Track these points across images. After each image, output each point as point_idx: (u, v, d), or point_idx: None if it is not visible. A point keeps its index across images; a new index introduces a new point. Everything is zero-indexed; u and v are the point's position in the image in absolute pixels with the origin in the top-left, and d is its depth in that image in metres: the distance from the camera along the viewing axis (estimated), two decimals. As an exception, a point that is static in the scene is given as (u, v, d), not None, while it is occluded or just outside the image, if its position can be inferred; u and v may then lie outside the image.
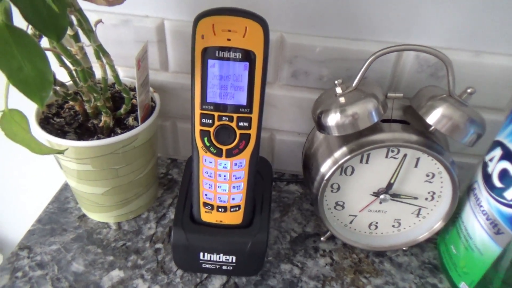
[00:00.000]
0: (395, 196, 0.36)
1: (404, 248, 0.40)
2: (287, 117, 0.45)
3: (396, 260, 0.40)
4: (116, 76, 0.35)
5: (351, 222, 0.39)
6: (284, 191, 0.48)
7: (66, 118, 0.39)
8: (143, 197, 0.42)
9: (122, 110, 0.38)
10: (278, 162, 0.50)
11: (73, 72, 0.34)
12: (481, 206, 0.32)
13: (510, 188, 0.29)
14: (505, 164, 0.30)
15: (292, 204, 0.46)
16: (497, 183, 0.30)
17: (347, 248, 0.41)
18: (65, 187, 0.46)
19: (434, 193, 0.36)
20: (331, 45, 0.39)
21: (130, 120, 0.38)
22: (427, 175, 0.35)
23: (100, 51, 0.33)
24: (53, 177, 0.49)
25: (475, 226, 0.33)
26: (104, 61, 0.34)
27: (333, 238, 0.41)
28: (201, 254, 0.36)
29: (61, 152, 0.29)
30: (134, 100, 0.38)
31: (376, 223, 0.39)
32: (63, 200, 0.45)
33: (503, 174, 0.30)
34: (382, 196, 0.36)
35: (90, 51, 0.34)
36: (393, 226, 0.39)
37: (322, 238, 0.41)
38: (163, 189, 0.47)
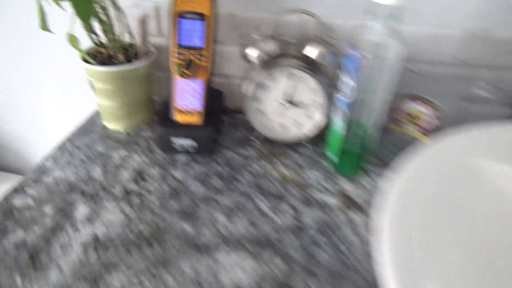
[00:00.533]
0: (293, 104, 0.58)
1: (308, 146, 0.62)
2: (238, 66, 0.68)
3: (301, 151, 0.61)
4: (126, 25, 0.60)
5: (269, 124, 0.61)
6: (238, 119, 0.70)
7: (98, 60, 0.63)
8: (142, 115, 0.66)
9: (129, 53, 0.62)
10: (233, 100, 0.72)
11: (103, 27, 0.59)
12: (336, 103, 0.54)
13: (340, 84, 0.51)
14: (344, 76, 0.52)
15: (240, 124, 0.68)
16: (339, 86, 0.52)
17: (270, 144, 0.63)
18: (95, 113, 0.70)
19: (316, 101, 0.58)
20: (262, 16, 0.62)
21: (136, 62, 0.62)
22: (311, 89, 0.57)
23: (114, 6, 0.57)
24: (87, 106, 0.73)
25: (334, 115, 0.55)
26: (117, 13, 0.59)
27: (264, 141, 0.63)
28: (175, 140, 0.59)
29: (94, 64, 0.54)
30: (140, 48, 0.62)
31: (284, 124, 0.60)
32: (92, 119, 0.69)
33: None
34: (285, 104, 0.58)
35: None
36: (295, 126, 0.60)
37: (252, 137, 0.63)
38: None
